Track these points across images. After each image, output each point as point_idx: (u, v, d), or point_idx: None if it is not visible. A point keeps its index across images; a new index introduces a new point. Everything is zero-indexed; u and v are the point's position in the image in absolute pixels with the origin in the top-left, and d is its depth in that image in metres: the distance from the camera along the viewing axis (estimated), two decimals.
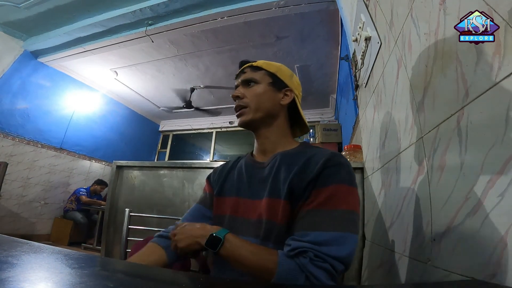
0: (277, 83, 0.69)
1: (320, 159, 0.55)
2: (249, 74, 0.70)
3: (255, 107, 0.67)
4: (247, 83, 0.70)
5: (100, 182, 3.93)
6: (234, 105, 0.71)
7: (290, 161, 0.61)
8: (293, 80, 0.72)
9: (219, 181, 0.73)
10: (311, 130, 2.83)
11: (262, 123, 0.68)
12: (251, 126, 0.69)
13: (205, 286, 0.35)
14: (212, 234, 0.52)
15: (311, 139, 2.89)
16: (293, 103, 0.71)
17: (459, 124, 0.44)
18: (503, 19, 0.36)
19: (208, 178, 0.79)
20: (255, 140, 0.72)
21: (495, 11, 0.37)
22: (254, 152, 0.74)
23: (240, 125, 0.70)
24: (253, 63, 0.72)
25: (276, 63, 0.74)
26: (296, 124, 0.76)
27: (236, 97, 0.70)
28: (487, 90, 0.38)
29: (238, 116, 0.69)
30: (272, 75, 0.70)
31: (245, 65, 0.73)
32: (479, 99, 0.40)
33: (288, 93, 0.70)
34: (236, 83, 0.73)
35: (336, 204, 0.50)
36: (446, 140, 0.48)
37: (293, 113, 0.73)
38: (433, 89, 0.54)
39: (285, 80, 0.70)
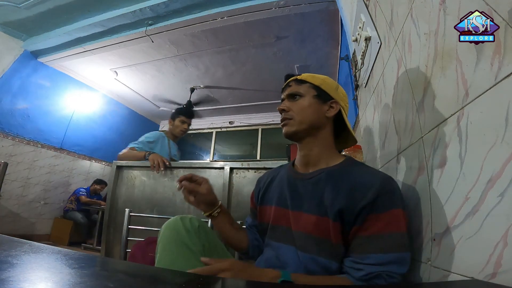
0: (322, 96, 0.70)
1: (371, 184, 0.56)
2: (294, 88, 0.71)
3: (300, 120, 0.68)
4: (292, 96, 0.71)
5: (99, 182, 3.93)
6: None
7: (336, 181, 0.62)
8: (339, 92, 0.73)
9: (261, 191, 0.78)
10: None
11: (307, 134, 0.69)
12: (295, 137, 0.70)
13: (205, 286, 0.35)
14: (280, 280, 0.51)
15: None
16: (338, 115, 0.71)
17: (459, 124, 0.44)
18: (503, 19, 0.36)
19: (253, 193, 0.84)
20: (298, 151, 0.73)
21: (495, 11, 0.37)
22: (296, 163, 0.75)
23: (284, 135, 0.71)
24: (298, 77, 0.73)
25: (321, 75, 0.74)
26: (341, 136, 0.76)
27: (282, 111, 0.71)
28: (487, 90, 0.38)
29: (282, 126, 0.71)
30: (317, 88, 0.70)
31: (290, 79, 0.74)
32: (479, 99, 0.40)
33: (333, 105, 0.70)
34: (282, 97, 0.75)
35: (393, 228, 0.53)
36: (446, 140, 0.48)
37: (338, 125, 0.74)
38: (433, 89, 0.54)
39: (330, 92, 0.71)
